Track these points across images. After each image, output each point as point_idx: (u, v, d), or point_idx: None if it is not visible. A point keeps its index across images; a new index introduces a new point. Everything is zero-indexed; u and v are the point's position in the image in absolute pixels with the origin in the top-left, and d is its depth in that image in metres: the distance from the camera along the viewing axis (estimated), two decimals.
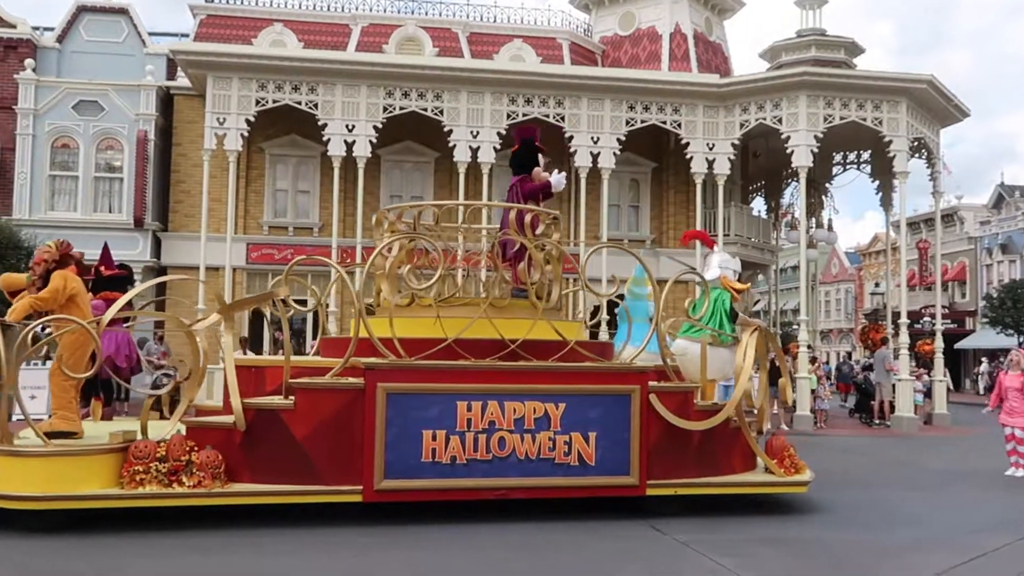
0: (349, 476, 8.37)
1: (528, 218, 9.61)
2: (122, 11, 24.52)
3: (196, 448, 8.15)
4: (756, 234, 27.06)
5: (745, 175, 27.84)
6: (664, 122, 22.76)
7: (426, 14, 26.39)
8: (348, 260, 22.20)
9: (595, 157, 22.30)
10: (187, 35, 25.29)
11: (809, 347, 22.07)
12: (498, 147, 22.04)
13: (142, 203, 23.27)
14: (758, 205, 30.93)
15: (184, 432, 8.39)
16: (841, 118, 21.81)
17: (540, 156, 10.47)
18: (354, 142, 21.49)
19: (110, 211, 23.58)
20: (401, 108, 21.80)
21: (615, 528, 8.63)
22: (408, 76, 21.81)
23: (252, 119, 21.38)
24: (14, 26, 23.88)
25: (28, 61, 23.27)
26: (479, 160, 21.86)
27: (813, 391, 21.32)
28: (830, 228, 29.42)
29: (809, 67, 22.91)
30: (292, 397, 8.46)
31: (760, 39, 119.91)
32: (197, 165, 22.68)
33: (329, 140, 21.45)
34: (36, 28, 24.61)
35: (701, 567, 7.24)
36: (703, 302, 10.50)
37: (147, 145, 23.39)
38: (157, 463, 7.95)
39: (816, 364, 22.86)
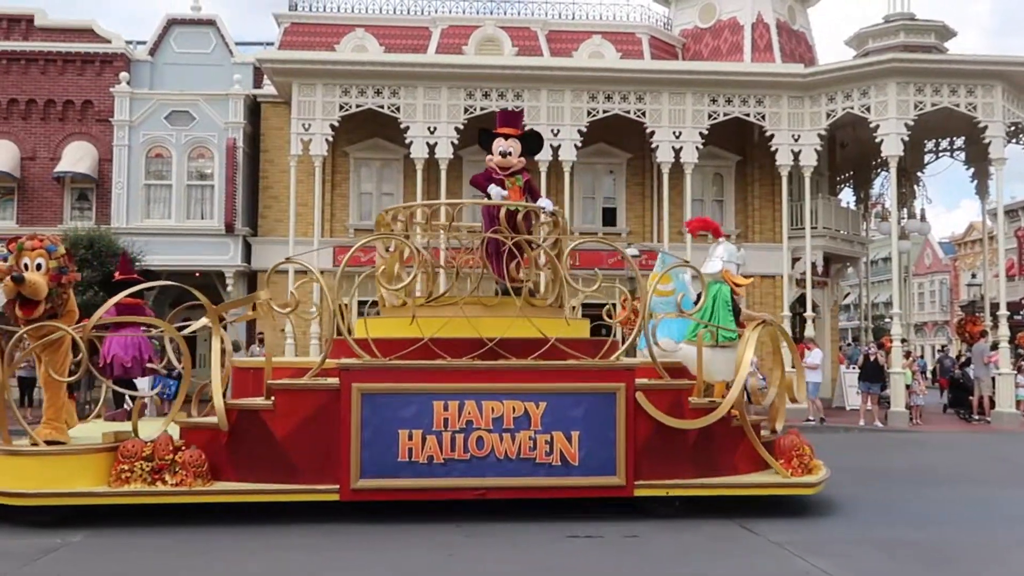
0: (327, 475, 8.51)
1: (502, 213, 9.50)
2: (210, 22, 25.15)
3: (183, 448, 8.44)
4: (845, 226, 26.42)
5: (832, 166, 27.22)
6: (747, 114, 22.41)
7: (505, 14, 26.44)
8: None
9: (677, 152, 22.09)
10: (272, 43, 25.82)
11: (903, 341, 21.49)
12: (579, 144, 22.05)
13: (232, 209, 23.86)
14: (846, 196, 30.22)
15: (177, 432, 8.72)
16: (932, 104, 21.18)
17: (496, 142, 10.07)
18: (436, 144, 21.71)
19: (202, 218, 24.20)
20: (482, 108, 21.94)
21: (706, 527, 8.54)
22: (488, 76, 21.95)
23: (336, 124, 21.78)
24: (109, 41, 24.69)
25: (123, 75, 24.05)
26: (560, 158, 21.87)
27: (908, 386, 20.75)
28: (923, 218, 28.61)
29: (898, 53, 22.28)
30: (272, 398, 8.64)
31: (845, 26, 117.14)
32: (284, 171, 23.19)
33: (411, 143, 21.70)
34: (129, 42, 25.40)
35: (795, 569, 7.11)
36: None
37: (236, 152, 23.96)
38: (143, 462, 8.31)
39: (910, 359, 22.23)
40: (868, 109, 21.49)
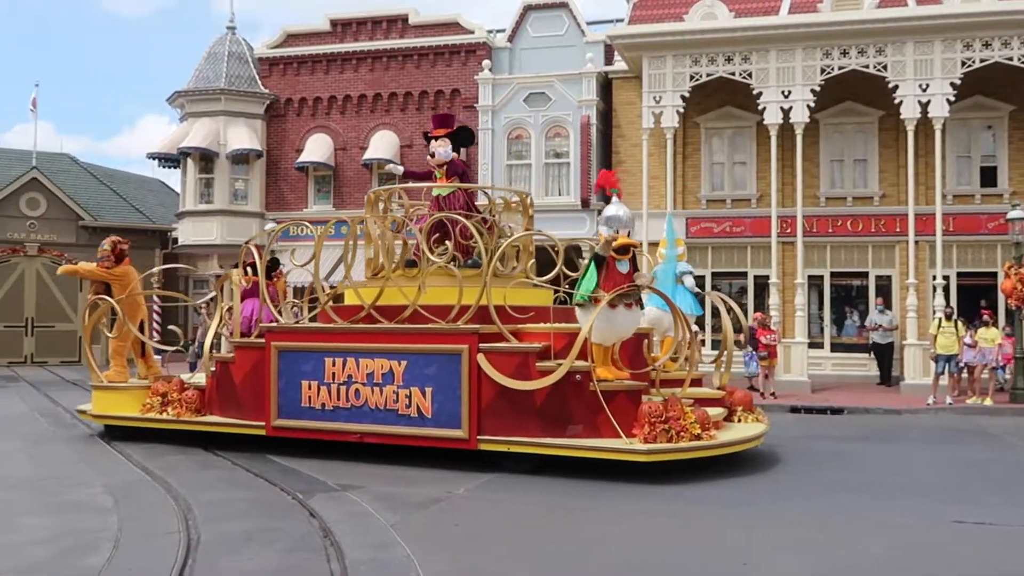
0: (261, 414, 10.93)
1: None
2: (563, 5, 26.03)
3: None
4: None
5: None
6: None
7: None
8: (788, 231, 21.71)
9: None
10: (621, 20, 26.22)
11: None
12: (952, 99, 20.20)
13: (587, 185, 24.62)
14: None
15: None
16: None
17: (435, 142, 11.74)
18: (791, 108, 20.93)
19: (559, 194, 25.25)
20: (840, 68, 20.82)
21: None
22: (846, 33, 20.74)
23: (687, 95, 21.71)
24: (472, 32, 26.44)
25: (485, 62, 25.67)
26: (930, 115, 20.18)
27: None
28: None
29: None
30: (233, 353, 11.56)
31: None
32: (636, 145, 23.51)
33: (764, 109, 21.10)
34: (490, 31, 27.03)
35: None
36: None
37: (590, 130, 24.68)
38: None
39: None
40: None
